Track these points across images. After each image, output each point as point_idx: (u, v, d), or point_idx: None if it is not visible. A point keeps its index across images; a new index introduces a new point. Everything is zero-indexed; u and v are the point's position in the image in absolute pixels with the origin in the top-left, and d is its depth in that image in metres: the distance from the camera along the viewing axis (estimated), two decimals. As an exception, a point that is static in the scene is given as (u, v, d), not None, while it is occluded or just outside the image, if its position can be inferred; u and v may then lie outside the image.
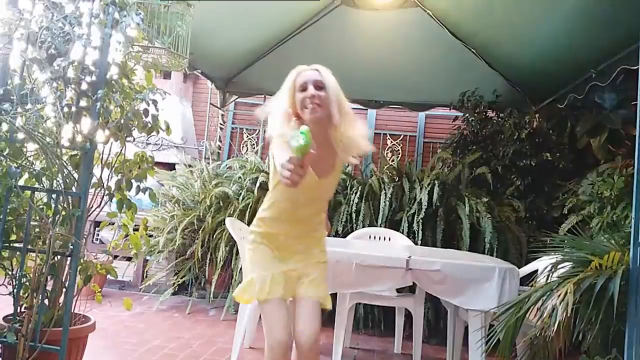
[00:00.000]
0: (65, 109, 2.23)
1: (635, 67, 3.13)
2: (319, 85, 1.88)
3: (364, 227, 3.99)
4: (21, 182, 2.22)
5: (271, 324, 1.88)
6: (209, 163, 5.11)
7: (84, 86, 2.25)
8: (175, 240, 4.34)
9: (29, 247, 2.16)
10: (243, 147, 6.54)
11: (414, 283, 2.78)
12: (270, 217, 2.04)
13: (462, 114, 5.11)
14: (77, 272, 2.22)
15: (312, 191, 1.95)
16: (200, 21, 3.17)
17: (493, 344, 2.29)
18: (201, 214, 4.39)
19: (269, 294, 1.90)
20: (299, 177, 1.53)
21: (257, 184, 4.32)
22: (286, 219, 2.03)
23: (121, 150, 2.43)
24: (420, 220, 3.92)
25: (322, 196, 2.09)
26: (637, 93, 2.20)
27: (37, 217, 2.24)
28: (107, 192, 2.42)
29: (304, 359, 1.88)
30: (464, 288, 2.64)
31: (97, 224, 3.24)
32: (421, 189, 4.12)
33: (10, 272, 2.25)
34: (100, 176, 2.42)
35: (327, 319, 3.70)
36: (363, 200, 4.16)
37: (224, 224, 3.66)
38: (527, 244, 3.99)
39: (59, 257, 2.23)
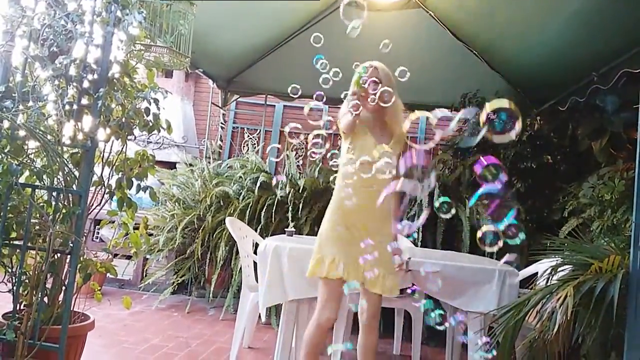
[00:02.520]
0: (67, 107, 2.23)
1: (637, 71, 3.13)
2: (377, 80, 2.25)
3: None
4: (22, 180, 2.22)
5: (325, 302, 2.22)
6: (209, 162, 5.11)
7: (86, 84, 2.26)
8: (175, 239, 4.35)
9: (29, 244, 2.16)
10: (244, 146, 6.54)
11: (413, 284, 2.77)
12: (345, 186, 2.27)
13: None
14: (77, 270, 2.23)
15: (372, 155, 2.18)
16: (203, 20, 3.17)
17: (492, 346, 2.28)
18: (201, 213, 4.39)
19: (328, 274, 2.20)
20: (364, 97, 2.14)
21: (258, 184, 4.32)
22: (356, 188, 2.23)
23: (122, 148, 2.43)
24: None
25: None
26: (639, 96, 2.20)
27: (38, 215, 2.24)
28: (107, 190, 2.42)
29: (364, 332, 2.31)
30: (464, 290, 2.64)
31: (97, 222, 3.23)
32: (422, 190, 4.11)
33: (10, 270, 2.25)
34: (101, 174, 2.43)
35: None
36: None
37: (224, 223, 3.66)
38: (527, 246, 3.98)
39: (58, 255, 2.24)
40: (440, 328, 1.68)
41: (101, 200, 2.43)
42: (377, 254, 2.19)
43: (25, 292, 2.18)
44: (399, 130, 2.34)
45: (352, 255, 2.20)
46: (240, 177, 4.57)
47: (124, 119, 2.32)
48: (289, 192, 4.25)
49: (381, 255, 2.21)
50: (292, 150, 5.57)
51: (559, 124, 4.62)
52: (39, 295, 2.12)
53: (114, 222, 2.63)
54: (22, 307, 2.18)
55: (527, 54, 4.34)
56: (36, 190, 2.23)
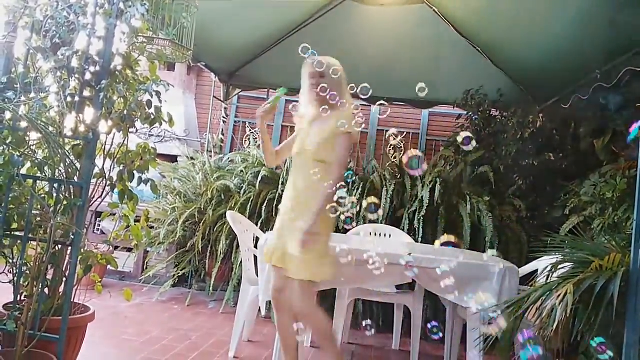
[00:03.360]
0: (69, 99, 2.23)
1: (641, 69, 3.12)
2: (321, 75, 2.34)
3: (364, 223, 3.99)
4: (23, 171, 2.22)
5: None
6: (211, 156, 5.10)
7: (88, 76, 2.26)
8: (176, 233, 4.35)
9: (30, 235, 2.16)
10: (245, 140, 6.53)
11: (413, 280, 2.78)
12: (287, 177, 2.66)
13: (465, 112, 5.09)
14: (78, 262, 2.23)
15: (299, 147, 2.44)
16: (205, 13, 3.16)
17: (491, 342, 2.29)
18: (202, 207, 4.39)
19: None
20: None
21: (259, 178, 4.32)
22: (289, 183, 2.50)
23: (124, 141, 2.43)
24: (421, 218, 3.91)
25: (308, 159, 2.38)
26: (642, 94, 2.19)
27: (39, 206, 2.24)
28: (109, 182, 2.42)
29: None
30: (464, 286, 2.64)
31: (98, 214, 3.25)
32: (423, 186, 4.11)
33: (11, 261, 2.25)
34: (103, 167, 2.43)
35: (326, 314, 3.71)
36: (364, 197, 4.15)
37: (225, 217, 3.66)
38: (527, 243, 3.98)
39: (59, 246, 2.24)
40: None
41: (102, 192, 2.43)
42: (295, 239, 2.33)
43: (26, 283, 2.19)
44: (342, 117, 2.32)
45: (279, 241, 2.43)
46: (242, 171, 4.57)
47: (125, 112, 2.32)
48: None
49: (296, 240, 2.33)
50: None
51: (562, 121, 4.60)
52: (40, 287, 2.13)
53: (115, 214, 2.63)
54: (22, 298, 2.18)
55: (530, 51, 4.33)
56: (37, 181, 2.24)
